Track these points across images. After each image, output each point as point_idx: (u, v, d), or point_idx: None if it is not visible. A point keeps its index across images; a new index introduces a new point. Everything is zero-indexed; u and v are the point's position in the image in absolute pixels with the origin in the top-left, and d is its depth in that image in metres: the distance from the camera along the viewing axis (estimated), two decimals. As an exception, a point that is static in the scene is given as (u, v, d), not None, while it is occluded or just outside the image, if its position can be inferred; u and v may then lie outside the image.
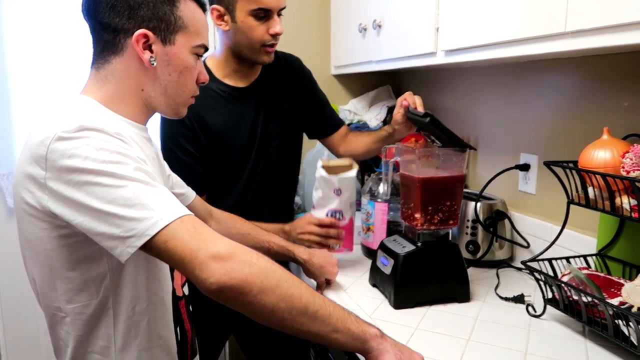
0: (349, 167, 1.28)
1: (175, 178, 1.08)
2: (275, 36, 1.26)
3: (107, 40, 0.84)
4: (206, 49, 0.91)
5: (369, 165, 1.76)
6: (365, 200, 1.46)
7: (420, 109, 1.24)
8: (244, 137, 1.36)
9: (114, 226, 0.70)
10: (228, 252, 0.71)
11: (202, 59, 0.95)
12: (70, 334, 0.83)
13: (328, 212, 1.28)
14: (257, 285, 0.71)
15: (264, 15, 1.22)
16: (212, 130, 1.31)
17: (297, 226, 1.31)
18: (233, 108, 1.34)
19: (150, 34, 0.82)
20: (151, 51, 0.84)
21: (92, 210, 0.71)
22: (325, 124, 1.53)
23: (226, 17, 1.24)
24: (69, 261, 0.79)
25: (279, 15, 1.26)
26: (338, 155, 1.55)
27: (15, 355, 1.89)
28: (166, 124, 1.31)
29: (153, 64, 0.84)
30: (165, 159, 1.07)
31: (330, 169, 1.26)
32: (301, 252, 1.23)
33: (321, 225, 1.28)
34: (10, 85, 1.71)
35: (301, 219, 1.33)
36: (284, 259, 1.23)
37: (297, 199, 1.93)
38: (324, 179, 1.25)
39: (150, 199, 0.71)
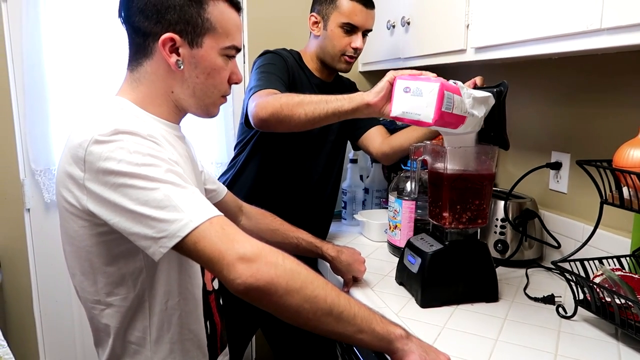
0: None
1: (207, 174, 1.11)
2: (355, 50, 1.45)
3: (138, 43, 0.86)
4: (238, 50, 0.91)
5: (396, 163, 1.75)
6: (392, 198, 1.46)
7: None
8: None
9: (147, 227, 0.73)
10: (255, 253, 0.73)
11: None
12: (110, 325, 0.86)
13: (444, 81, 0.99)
14: (283, 286, 0.72)
15: (350, 29, 1.43)
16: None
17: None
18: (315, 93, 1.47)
19: (176, 37, 0.83)
20: (178, 54, 0.84)
21: (126, 211, 0.74)
22: (362, 122, 1.60)
23: (320, 25, 1.46)
24: (108, 257, 0.83)
25: (364, 35, 1.47)
26: (372, 154, 1.60)
27: (52, 343, 1.96)
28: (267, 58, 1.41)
29: (180, 67, 0.85)
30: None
31: None
32: (329, 249, 1.24)
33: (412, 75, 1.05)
34: (47, 85, 1.76)
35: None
36: (312, 255, 1.25)
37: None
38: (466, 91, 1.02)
39: (181, 201, 0.73)
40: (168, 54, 0.84)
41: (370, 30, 1.48)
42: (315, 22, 1.47)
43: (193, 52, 0.85)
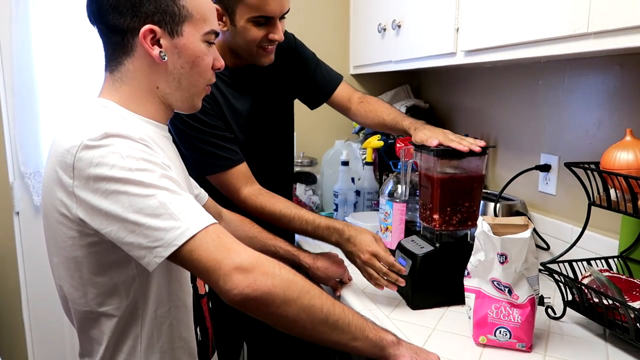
0: (522, 227, 0.94)
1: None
2: (273, 41, 1.22)
3: (116, 42, 0.83)
4: (216, 34, 0.88)
5: (387, 165, 1.76)
6: (383, 200, 1.47)
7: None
8: (243, 116, 1.32)
9: (141, 236, 0.71)
10: (251, 263, 0.72)
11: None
12: (104, 333, 0.83)
13: (489, 282, 0.97)
14: (280, 297, 0.72)
15: (264, 22, 1.19)
16: (222, 108, 1.28)
17: (360, 244, 1.15)
18: (233, 89, 1.31)
19: (156, 28, 0.81)
20: (160, 46, 0.82)
21: (119, 220, 0.71)
22: (319, 88, 1.45)
23: (225, 19, 1.20)
24: (98, 267, 0.80)
25: (281, 19, 1.22)
26: (350, 118, 1.47)
27: (41, 347, 1.94)
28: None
29: (164, 59, 0.82)
30: (189, 146, 1.18)
31: (495, 227, 0.95)
32: (306, 257, 1.23)
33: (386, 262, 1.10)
34: (37, 86, 1.76)
35: (367, 240, 1.16)
36: (290, 264, 1.22)
37: (316, 198, 1.94)
38: (484, 236, 0.94)
39: (177, 209, 0.72)
40: (150, 47, 0.81)
41: (288, 11, 1.21)
42: (218, 16, 1.17)
43: (175, 42, 0.83)
